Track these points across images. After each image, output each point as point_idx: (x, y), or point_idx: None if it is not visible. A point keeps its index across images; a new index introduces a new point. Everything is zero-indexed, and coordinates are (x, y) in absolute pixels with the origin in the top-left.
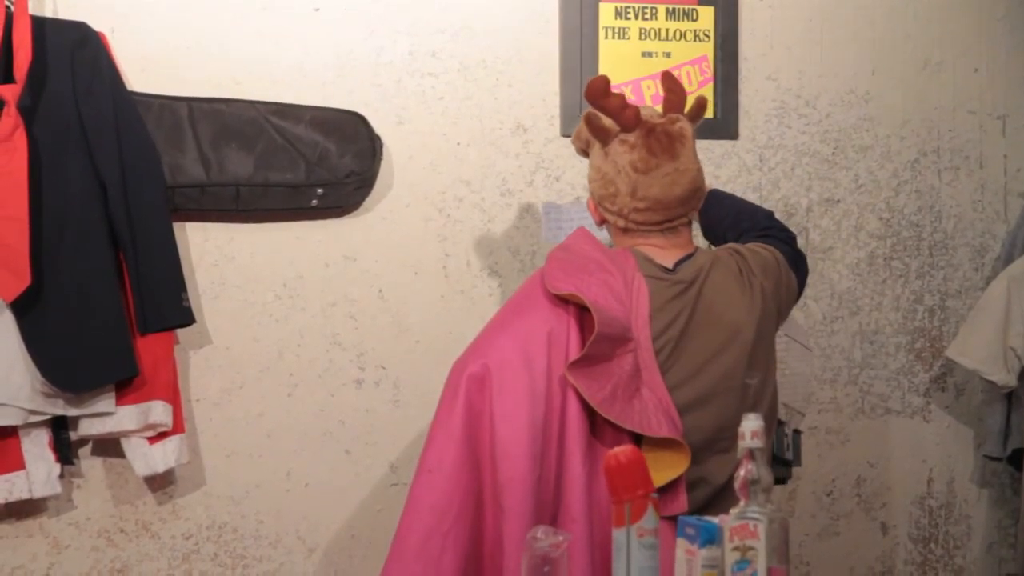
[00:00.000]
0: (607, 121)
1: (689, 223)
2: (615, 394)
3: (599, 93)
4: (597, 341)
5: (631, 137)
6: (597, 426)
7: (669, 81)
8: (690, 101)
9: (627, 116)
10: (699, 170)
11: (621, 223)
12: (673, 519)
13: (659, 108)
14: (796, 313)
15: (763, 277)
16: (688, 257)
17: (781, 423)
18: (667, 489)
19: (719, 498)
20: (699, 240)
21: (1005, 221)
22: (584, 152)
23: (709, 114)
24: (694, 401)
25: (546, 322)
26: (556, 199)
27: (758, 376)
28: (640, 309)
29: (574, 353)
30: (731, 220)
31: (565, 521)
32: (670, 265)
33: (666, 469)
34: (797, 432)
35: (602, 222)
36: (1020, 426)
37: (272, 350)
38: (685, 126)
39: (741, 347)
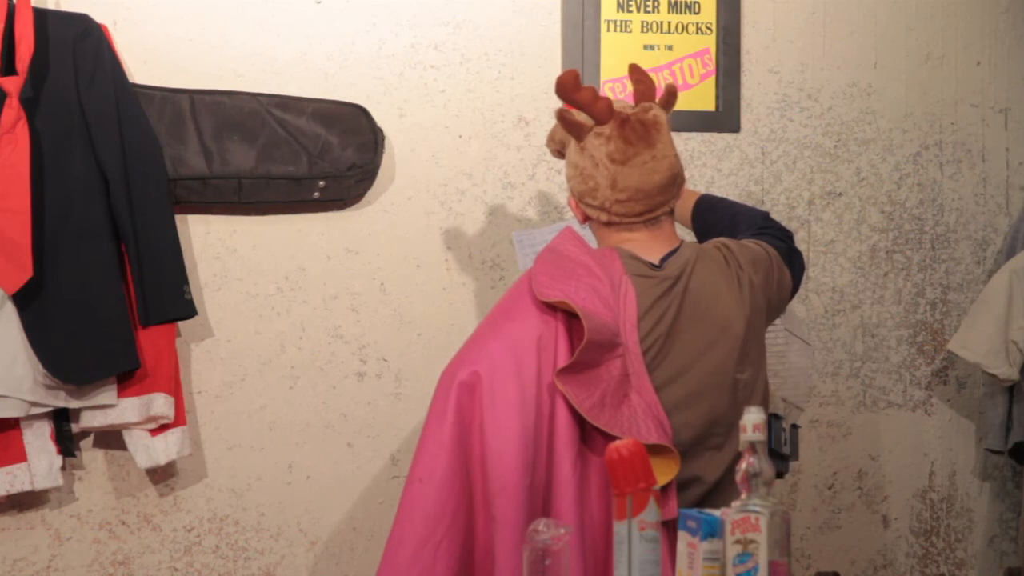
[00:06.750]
0: (580, 116)
1: (671, 213)
2: (604, 401)
3: (570, 88)
4: (586, 348)
5: (606, 129)
6: (587, 432)
7: (637, 73)
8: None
9: (600, 108)
10: (676, 156)
11: (604, 217)
12: (664, 523)
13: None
14: (796, 307)
15: (752, 271)
16: (674, 252)
17: (779, 418)
18: None
19: (712, 497)
20: (688, 235)
21: (1007, 214)
22: (560, 154)
23: (711, 107)
24: (684, 398)
25: (535, 328)
26: (557, 192)
27: (749, 371)
28: (628, 312)
29: (563, 359)
30: (727, 223)
31: None
32: (656, 261)
33: (656, 475)
34: (795, 427)
35: (585, 219)
36: (1022, 420)
37: (274, 343)
38: (659, 113)
39: (731, 342)
